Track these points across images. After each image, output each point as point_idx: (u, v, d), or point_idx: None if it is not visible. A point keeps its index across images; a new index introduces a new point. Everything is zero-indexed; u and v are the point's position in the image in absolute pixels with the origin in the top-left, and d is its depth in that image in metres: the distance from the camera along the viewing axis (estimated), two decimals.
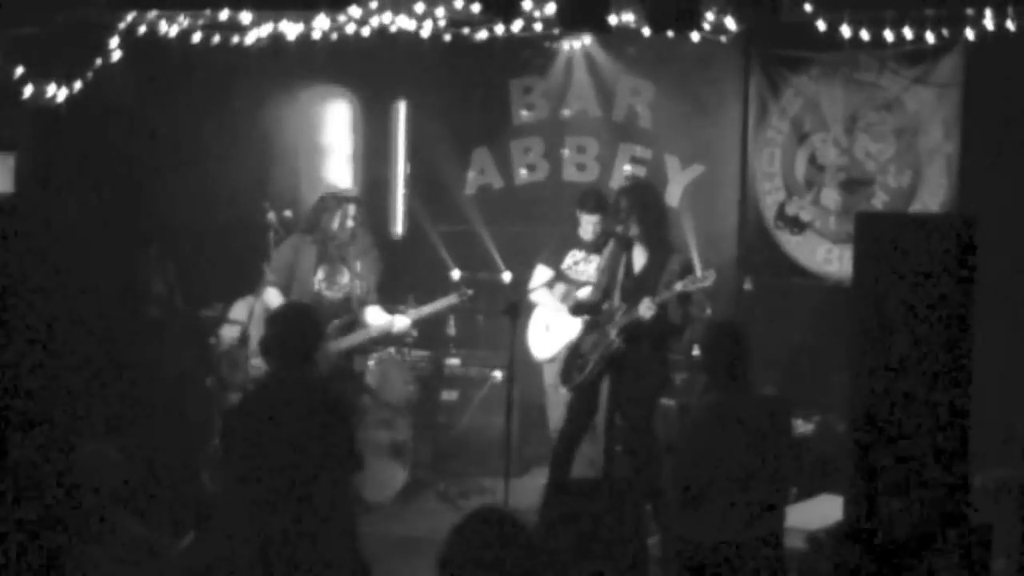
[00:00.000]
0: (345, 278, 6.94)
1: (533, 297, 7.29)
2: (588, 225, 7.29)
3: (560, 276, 7.32)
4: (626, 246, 6.61)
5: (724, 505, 4.98)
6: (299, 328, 4.97)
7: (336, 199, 7.02)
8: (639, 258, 6.60)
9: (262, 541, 4.55)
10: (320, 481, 4.60)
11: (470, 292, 7.33)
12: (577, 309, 6.83)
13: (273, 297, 6.84)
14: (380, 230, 8.88)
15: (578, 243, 7.34)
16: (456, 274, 8.44)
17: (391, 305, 7.36)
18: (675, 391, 7.38)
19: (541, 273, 7.37)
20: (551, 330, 7.32)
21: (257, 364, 6.31)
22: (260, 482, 4.60)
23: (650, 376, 6.50)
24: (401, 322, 7.06)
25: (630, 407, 6.52)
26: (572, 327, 7.12)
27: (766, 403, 5.26)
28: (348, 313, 6.93)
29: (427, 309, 7.21)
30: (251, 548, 4.57)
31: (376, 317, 7.00)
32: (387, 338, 7.30)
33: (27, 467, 5.12)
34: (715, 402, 5.11)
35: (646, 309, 6.37)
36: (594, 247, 7.14)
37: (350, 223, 6.91)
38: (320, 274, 6.90)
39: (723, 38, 8.01)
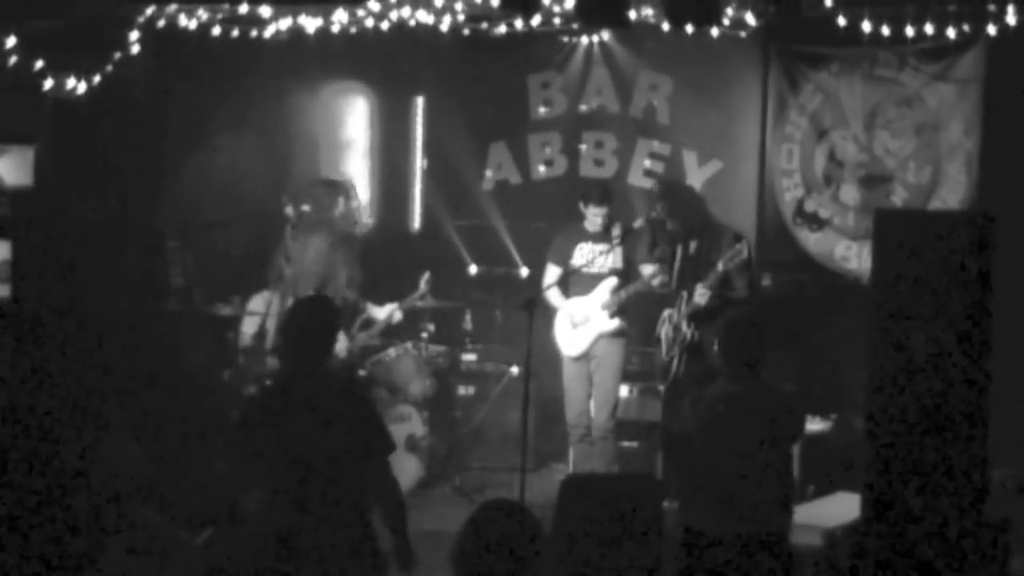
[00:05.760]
0: (359, 275, 6.97)
1: (548, 298, 7.25)
2: (596, 218, 7.32)
3: (573, 272, 7.29)
4: (676, 237, 6.91)
5: (733, 497, 4.96)
6: (320, 322, 4.90)
7: (332, 184, 7.10)
8: (691, 244, 6.86)
9: (283, 535, 4.53)
10: (348, 474, 4.55)
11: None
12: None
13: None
14: (398, 224, 8.92)
15: (585, 236, 7.37)
16: (473, 269, 8.51)
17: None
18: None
19: (552, 273, 7.40)
20: (578, 327, 7.28)
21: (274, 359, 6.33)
22: (283, 479, 4.56)
23: None
24: (396, 311, 7.23)
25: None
26: (598, 322, 7.18)
27: (781, 398, 5.24)
28: (359, 309, 6.96)
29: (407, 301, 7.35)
30: (271, 542, 4.55)
31: (377, 310, 7.16)
32: (388, 330, 7.41)
33: (47, 462, 5.14)
34: (730, 392, 5.09)
35: (700, 296, 6.69)
36: (603, 237, 7.24)
37: (354, 205, 6.97)
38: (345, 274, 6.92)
39: (742, 33, 8.01)
